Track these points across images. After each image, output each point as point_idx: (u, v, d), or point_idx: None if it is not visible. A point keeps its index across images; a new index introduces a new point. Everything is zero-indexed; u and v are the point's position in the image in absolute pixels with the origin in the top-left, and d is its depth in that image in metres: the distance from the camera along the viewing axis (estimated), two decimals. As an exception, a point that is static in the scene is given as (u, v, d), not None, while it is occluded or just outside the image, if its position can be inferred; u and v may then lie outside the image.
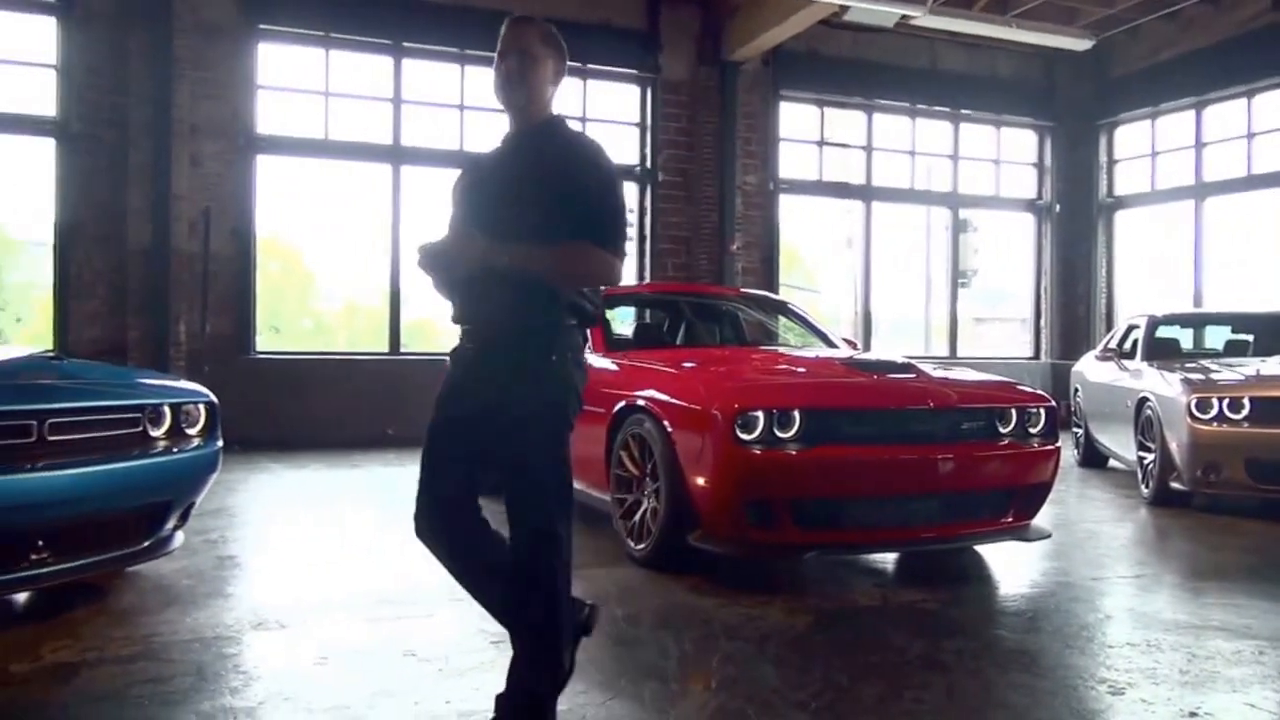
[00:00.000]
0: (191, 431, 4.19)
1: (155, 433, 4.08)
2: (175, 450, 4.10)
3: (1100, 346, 8.86)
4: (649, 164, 11.21)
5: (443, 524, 2.79)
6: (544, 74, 2.70)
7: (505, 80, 2.68)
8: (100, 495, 3.79)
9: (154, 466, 4.01)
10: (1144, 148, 12.83)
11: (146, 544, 4.06)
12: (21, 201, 10.79)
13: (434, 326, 12.34)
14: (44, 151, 9.02)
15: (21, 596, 4.03)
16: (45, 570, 3.66)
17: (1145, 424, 6.90)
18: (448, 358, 2.78)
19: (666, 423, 4.57)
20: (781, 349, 6.09)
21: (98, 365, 5.07)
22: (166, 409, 4.12)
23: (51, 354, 4.70)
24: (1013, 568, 4.92)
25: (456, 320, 2.73)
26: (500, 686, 2.95)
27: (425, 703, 2.97)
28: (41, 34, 8.97)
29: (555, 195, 2.57)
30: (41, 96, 8.97)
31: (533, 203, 2.58)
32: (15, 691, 3.06)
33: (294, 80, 9.96)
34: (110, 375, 4.58)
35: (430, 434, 2.76)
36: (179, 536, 4.29)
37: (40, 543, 3.62)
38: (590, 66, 10.85)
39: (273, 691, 3.06)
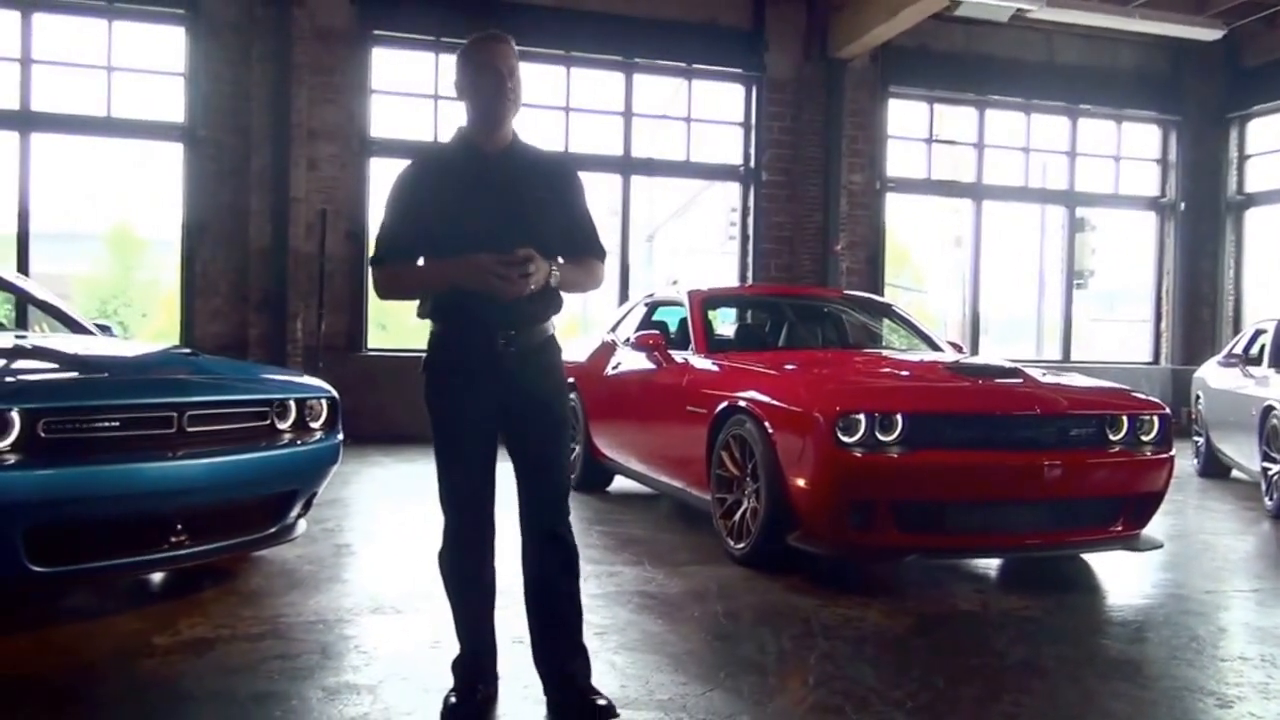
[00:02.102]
0: (314, 425, 4.41)
1: (282, 426, 4.29)
2: (299, 443, 4.30)
3: (1224, 352, 8.53)
4: (752, 163, 11.21)
5: (484, 548, 2.98)
6: (520, 93, 2.91)
7: (499, 96, 2.83)
8: (232, 484, 4.02)
9: (280, 458, 4.23)
10: (1278, 142, 12.22)
11: (272, 530, 4.28)
12: (149, 203, 11.46)
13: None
14: (172, 155, 9.52)
15: (158, 576, 4.32)
16: (183, 552, 3.91)
17: (1271, 433, 6.65)
18: (443, 364, 2.86)
19: (767, 424, 4.62)
20: (885, 352, 6.07)
21: (228, 361, 5.37)
22: (292, 403, 4.34)
23: (188, 350, 5.00)
24: (1122, 578, 4.82)
25: (490, 326, 2.80)
26: (603, 675, 3.09)
27: (533, 687, 3.08)
28: (171, 43, 9.47)
29: (564, 216, 2.91)
30: (171, 103, 9.47)
31: (549, 221, 2.87)
32: (158, 662, 3.32)
33: (405, 84, 10.25)
34: (240, 370, 4.86)
35: (466, 448, 2.87)
36: (302, 524, 4.51)
37: (179, 526, 3.87)
38: (696, 66, 10.91)
39: (391, 671, 3.24)
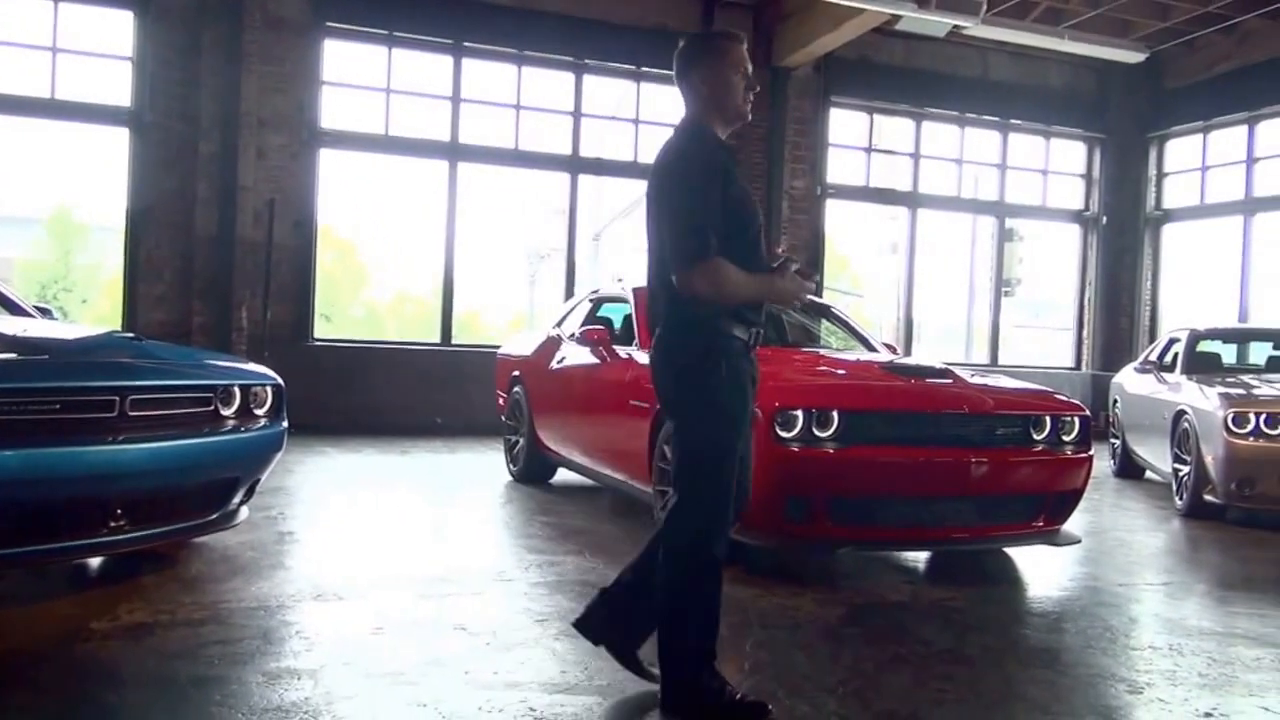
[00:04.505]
0: (259, 412, 4.38)
1: (226, 412, 4.25)
2: (243, 429, 4.27)
3: (1140, 359, 8.87)
4: (697, 166, 11.33)
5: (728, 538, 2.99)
6: None
7: (750, 97, 3.01)
8: (174, 469, 4.00)
9: (224, 444, 4.21)
10: (1194, 161, 12.75)
11: (214, 516, 4.26)
12: (92, 188, 11.25)
13: (480, 319, 12.64)
14: (118, 140, 9.38)
15: (96, 561, 4.27)
16: (123, 537, 3.87)
17: (1182, 437, 6.94)
18: (731, 358, 2.87)
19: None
20: (822, 351, 6.21)
21: (173, 346, 5.31)
22: (237, 390, 4.31)
23: (131, 334, 4.94)
24: (1042, 571, 5.03)
25: (755, 325, 2.96)
26: (544, 661, 3.21)
27: (474, 673, 3.15)
28: (119, 27, 9.34)
29: None
30: (117, 88, 9.33)
31: None
32: (96, 646, 3.30)
33: (357, 77, 10.22)
34: (184, 356, 4.82)
35: (737, 441, 2.89)
36: (244, 511, 4.49)
37: (119, 511, 3.82)
38: (644, 69, 11.03)
39: (333, 657, 3.26)
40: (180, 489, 4.08)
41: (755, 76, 3.15)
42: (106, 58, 9.38)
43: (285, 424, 4.53)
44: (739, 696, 2.87)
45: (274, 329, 9.52)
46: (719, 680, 2.87)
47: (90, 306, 12.57)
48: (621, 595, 3.03)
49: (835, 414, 4.46)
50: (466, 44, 10.33)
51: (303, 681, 3.03)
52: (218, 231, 9.27)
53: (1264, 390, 6.70)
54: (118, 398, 3.82)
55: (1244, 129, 12.01)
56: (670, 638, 2.88)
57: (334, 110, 10.04)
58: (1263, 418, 6.28)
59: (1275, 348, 8.30)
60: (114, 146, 9.41)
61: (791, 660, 3.46)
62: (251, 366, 4.71)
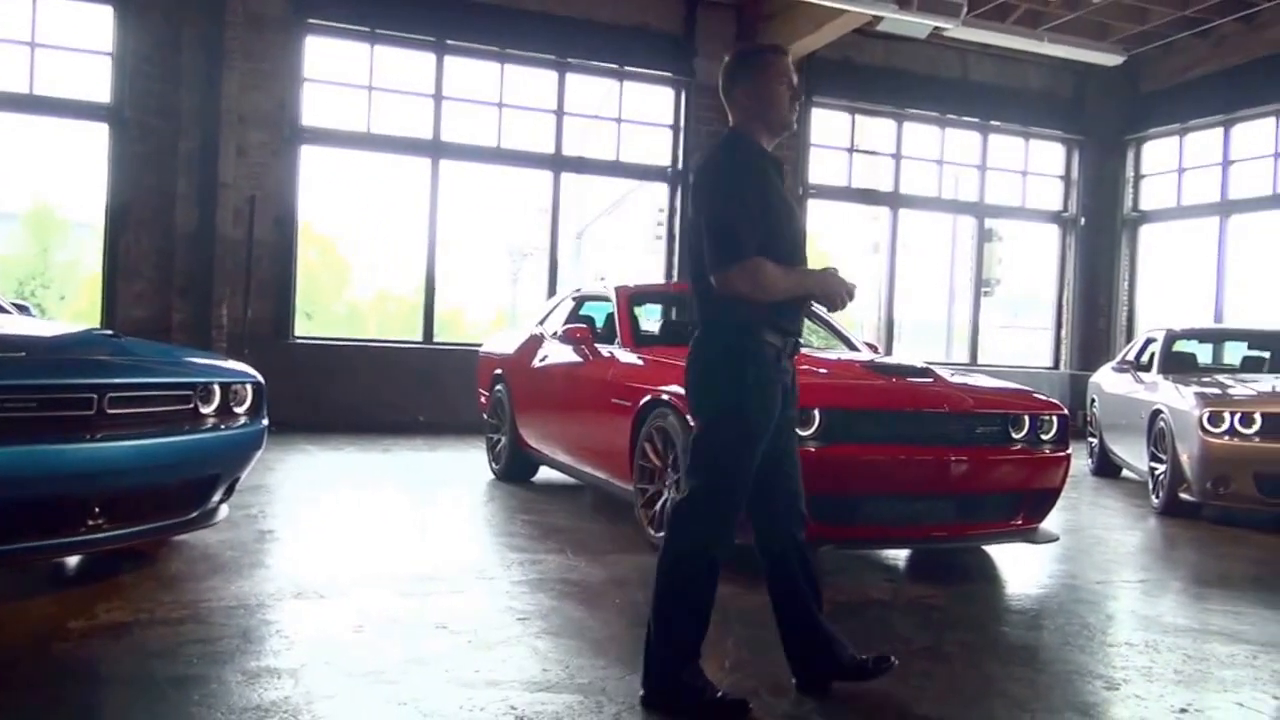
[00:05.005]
0: (239, 410, 4.37)
1: (206, 410, 4.23)
2: (223, 427, 4.25)
3: (1118, 358, 8.96)
4: (680, 165, 11.37)
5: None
6: None
7: (795, 107, 3.02)
8: (153, 467, 3.97)
9: (203, 442, 4.19)
10: (1171, 164, 12.89)
11: (194, 515, 4.23)
12: (71, 184, 11.16)
13: (462, 317, 12.60)
14: (97, 136, 9.32)
15: (73, 560, 4.25)
16: (101, 535, 3.84)
17: (1158, 435, 6.99)
18: (762, 365, 2.90)
19: (689, 416, 4.73)
20: (804, 350, 6.21)
21: (152, 344, 5.27)
22: (217, 388, 4.29)
23: (110, 332, 4.90)
24: (1020, 569, 5.06)
25: (792, 334, 2.99)
26: (525, 659, 3.19)
27: (455, 671, 3.14)
28: (99, 23, 9.28)
29: None
30: (97, 83, 9.27)
31: None
32: (73, 645, 3.28)
33: (339, 74, 10.19)
34: (164, 354, 4.78)
35: (754, 447, 2.91)
36: (224, 509, 4.46)
37: (97, 509, 3.80)
38: (628, 68, 11.05)
39: (313, 656, 3.25)
40: (159, 487, 4.05)
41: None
42: (86, 53, 9.31)
43: (265, 422, 4.51)
44: (719, 695, 2.89)
45: (254, 326, 9.48)
46: (701, 679, 2.89)
47: (69, 303, 12.47)
48: (797, 631, 3.12)
49: (816, 413, 4.47)
50: (449, 41, 10.32)
51: (282, 680, 3.01)
52: (198, 228, 9.24)
53: (1239, 390, 6.78)
54: (96, 396, 3.79)
55: (1220, 131, 12.15)
56: (657, 633, 2.91)
57: (315, 107, 10.01)
58: (1237, 417, 6.35)
59: (1250, 348, 8.40)
60: (93, 142, 9.35)
61: (772, 658, 3.43)
62: (231, 364, 4.68)
